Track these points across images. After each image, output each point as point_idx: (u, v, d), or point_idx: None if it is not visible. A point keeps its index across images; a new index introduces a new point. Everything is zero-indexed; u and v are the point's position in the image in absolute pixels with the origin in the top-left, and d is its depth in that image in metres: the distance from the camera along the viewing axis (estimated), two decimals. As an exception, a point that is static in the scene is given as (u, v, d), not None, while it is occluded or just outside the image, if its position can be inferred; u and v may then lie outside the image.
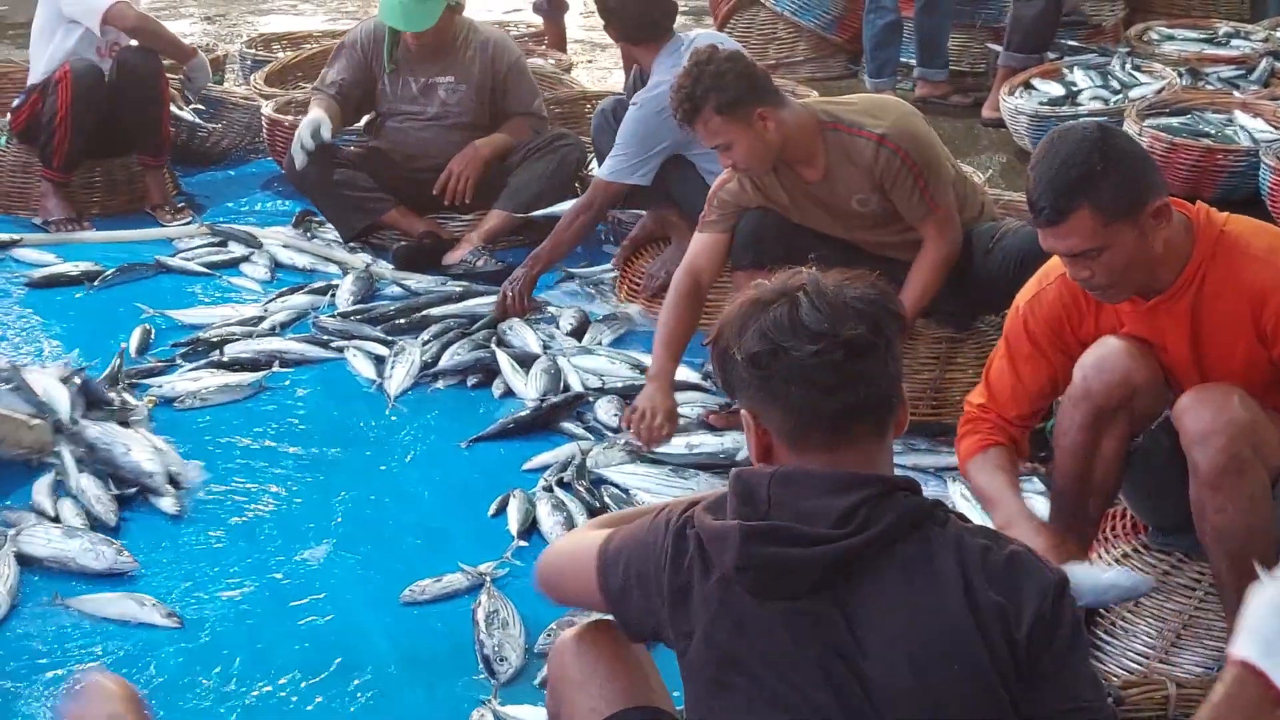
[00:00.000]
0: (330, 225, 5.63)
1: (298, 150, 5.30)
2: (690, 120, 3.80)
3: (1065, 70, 7.05)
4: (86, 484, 3.77)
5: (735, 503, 2.00)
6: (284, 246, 5.54)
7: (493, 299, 4.90)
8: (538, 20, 7.96)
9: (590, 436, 4.16)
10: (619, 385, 4.39)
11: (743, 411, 2.07)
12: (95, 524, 3.66)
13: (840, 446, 1.98)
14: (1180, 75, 6.87)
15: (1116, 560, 3.22)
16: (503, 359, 4.51)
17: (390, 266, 5.34)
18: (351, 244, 5.52)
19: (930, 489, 3.79)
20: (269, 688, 3.10)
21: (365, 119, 5.89)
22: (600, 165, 5.02)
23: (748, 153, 3.83)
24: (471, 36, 5.48)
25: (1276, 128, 6.04)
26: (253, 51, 7.44)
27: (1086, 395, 2.92)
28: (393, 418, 4.32)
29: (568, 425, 4.23)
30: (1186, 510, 3.01)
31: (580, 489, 3.83)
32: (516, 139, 5.46)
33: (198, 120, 6.29)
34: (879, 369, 1.99)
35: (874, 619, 1.93)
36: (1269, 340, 2.78)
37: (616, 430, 4.14)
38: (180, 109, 6.17)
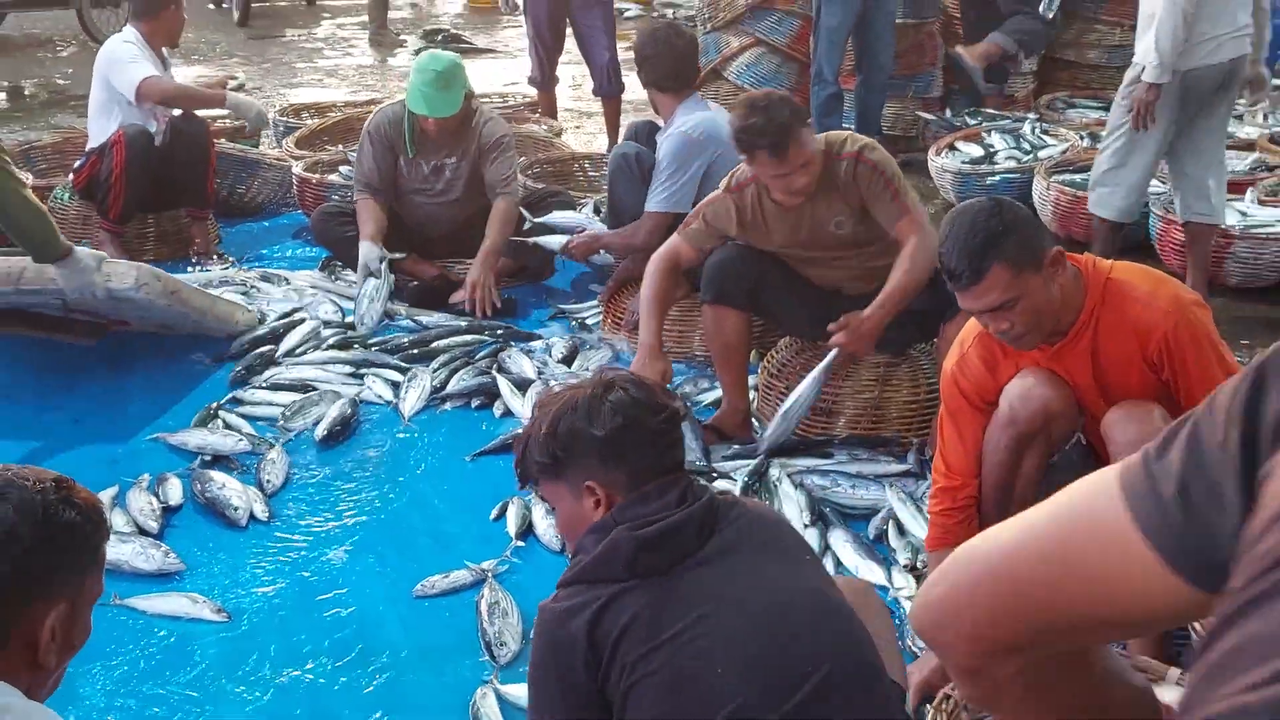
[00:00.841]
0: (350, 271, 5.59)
1: (367, 303, 5.10)
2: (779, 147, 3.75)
3: (984, 134, 7.11)
4: (133, 498, 3.75)
5: (591, 543, 2.12)
6: (311, 287, 5.49)
7: (483, 330, 4.99)
8: (532, 91, 7.96)
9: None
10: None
11: (584, 485, 2.19)
12: (142, 531, 3.63)
13: (667, 487, 2.17)
14: (1082, 138, 6.95)
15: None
16: (503, 384, 4.49)
17: (405, 305, 5.30)
18: None
19: (870, 492, 3.79)
20: (298, 671, 3.07)
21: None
22: (612, 203, 5.04)
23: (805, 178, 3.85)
24: (480, 117, 5.40)
25: (1162, 183, 6.07)
26: (284, 119, 7.43)
27: (1012, 422, 2.94)
28: (405, 435, 4.29)
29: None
30: None
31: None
32: (504, 224, 5.26)
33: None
34: (681, 431, 2.30)
35: (740, 542, 2.14)
36: (1157, 367, 2.82)
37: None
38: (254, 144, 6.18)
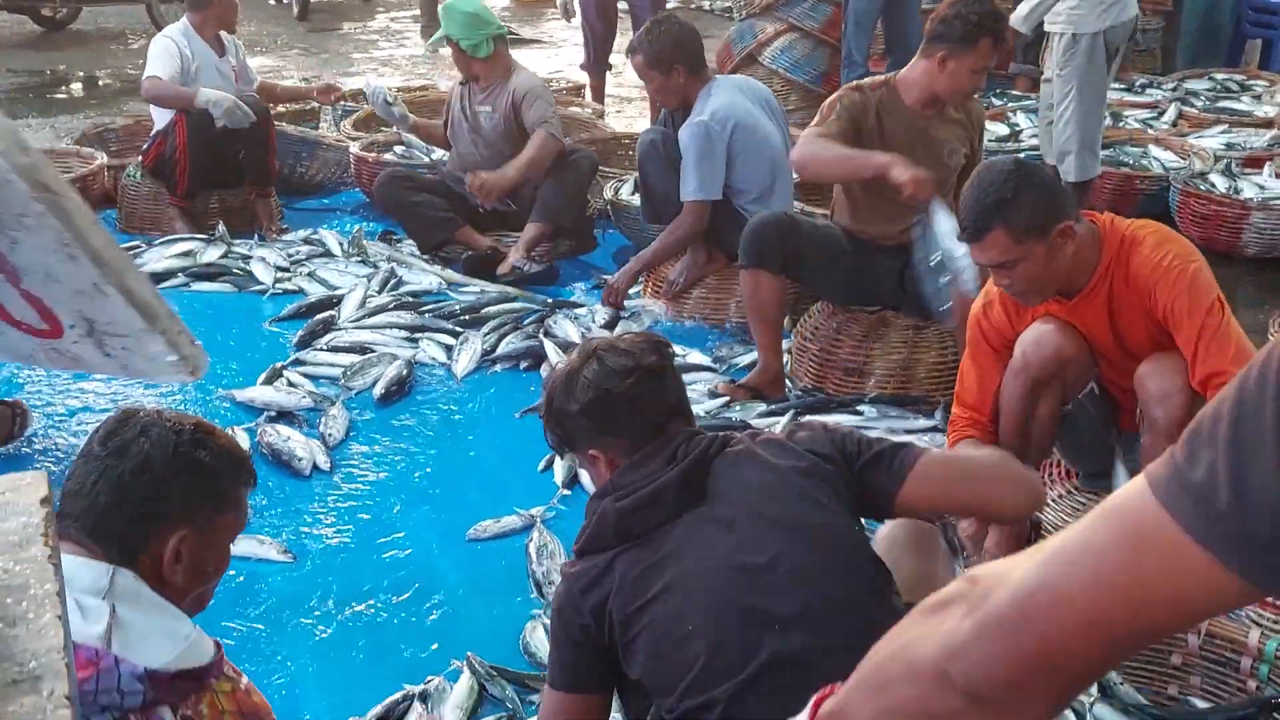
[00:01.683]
0: (408, 240, 5.67)
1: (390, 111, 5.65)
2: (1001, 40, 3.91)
3: (1009, 114, 7.08)
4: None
5: (591, 511, 2.16)
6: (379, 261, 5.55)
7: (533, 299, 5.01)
8: (576, 77, 7.99)
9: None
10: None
11: (590, 455, 2.22)
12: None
13: (664, 445, 2.16)
14: (1104, 116, 6.87)
15: (1054, 499, 3.23)
16: (549, 347, 4.52)
17: (460, 273, 5.38)
18: (426, 255, 5.56)
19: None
20: (359, 607, 3.12)
21: (437, 155, 5.98)
22: (643, 185, 4.98)
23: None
24: (511, 79, 5.53)
25: (1183, 159, 6.05)
26: (342, 104, 7.48)
27: (1025, 368, 2.94)
28: (458, 394, 4.33)
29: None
30: (1107, 460, 3.03)
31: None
32: (537, 151, 5.38)
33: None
34: (673, 382, 2.25)
35: (729, 495, 2.10)
36: (1164, 325, 2.80)
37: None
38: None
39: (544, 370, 4.46)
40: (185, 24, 5.83)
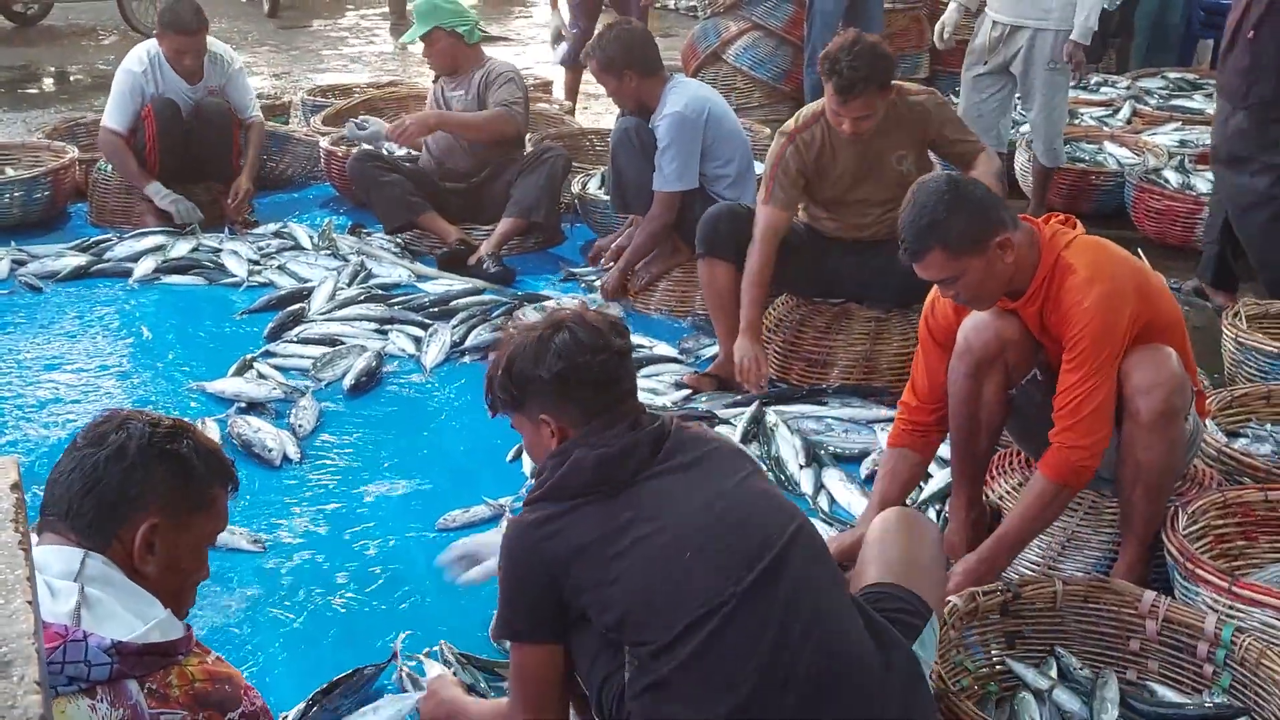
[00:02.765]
0: (378, 235, 5.60)
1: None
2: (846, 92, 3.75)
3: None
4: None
5: (553, 465, 2.18)
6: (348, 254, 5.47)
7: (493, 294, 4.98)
8: (543, 74, 7.93)
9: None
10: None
11: (541, 419, 2.24)
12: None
13: (617, 410, 2.22)
14: (1062, 115, 6.88)
15: (1013, 487, 3.22)
16: (517, 339, 4.47)
17: (433, 267, 5.32)
18: (391, 236, 5.52)
19: (862, 436, 3.80)
20: (330, 596, 3.09)
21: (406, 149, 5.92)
22: (615, 173, 4.88)
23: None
24: (486, 65, 5.51)
25: (1138, 155, 6.07)
26: (312, 99, 7.39)
27: (967, 350, 2.95)
28: (426, 385, 4.29)
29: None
30: None
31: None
32: (485, 118, 5.39)
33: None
34: (630, 366, 2.30)
35: (691, 450, 2.20)
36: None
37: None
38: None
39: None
40: (155, 47, 5.59)
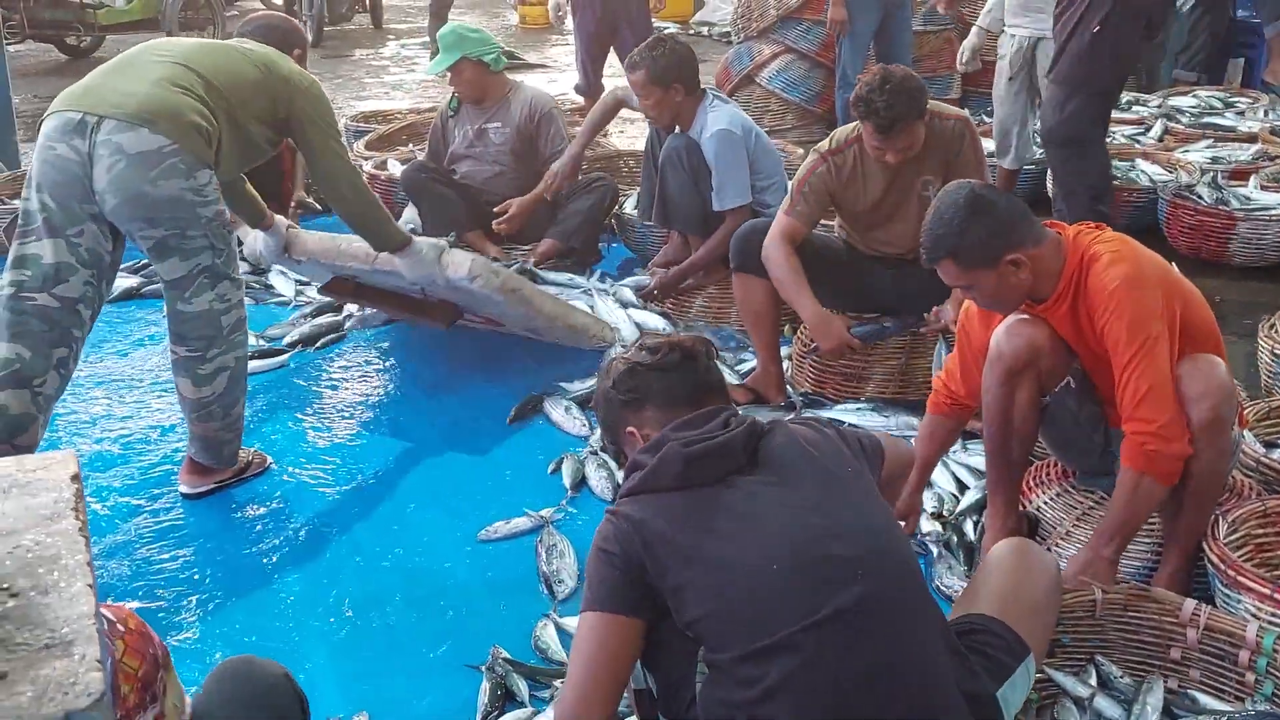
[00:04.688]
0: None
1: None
2: (885, 131, 3.73)
3: (1000, 129, 7.02)
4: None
5: (646, 457, 2.11)
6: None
7: None
8: (578, 98, 7.97)
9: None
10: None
11: (628, 434, 2.23)
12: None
13: (702, 418, 2.16)
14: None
15: (1050, 498, 3.19)
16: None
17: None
18: None
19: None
20: (375, 607, 3.09)
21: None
22: (662, 193, 4.86)
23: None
24: (517, 93, 5.51)
25: (1171, 172, 6.02)
26: (356, 124, 7.47)
27: (999, 357, 2.93)
28: (468, 396, 4.29)
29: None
30: (1096, 458, 3.00)
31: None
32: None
33: None
34: (708, 368, 2.27)
35: (782, 461, 2.11)
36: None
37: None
38: None
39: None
40: None
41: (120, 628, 1.62)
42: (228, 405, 3.52)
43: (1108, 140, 6.69)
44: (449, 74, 5.45)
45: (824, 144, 4.04)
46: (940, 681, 1.98)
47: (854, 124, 3.99)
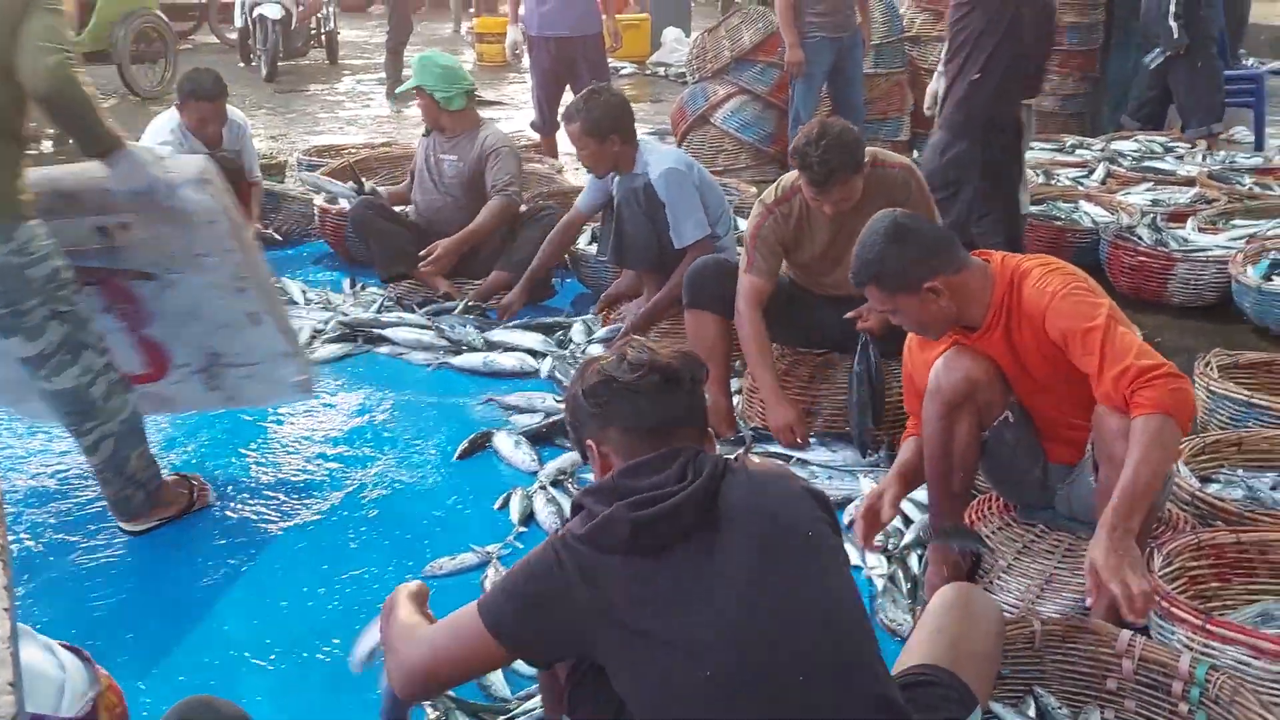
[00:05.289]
0: (369, 280, 5.71)
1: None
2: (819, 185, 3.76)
3: (948, 171, 7.13)
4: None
5: (594, 503, 2.02)
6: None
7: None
8: (535, 136, 8.02)
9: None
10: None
11: (588, 445, 2.14)
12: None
13: (663, 448, 2.06)
14: (1037, 175, 6.99)
15: (992, 532, 3.23)
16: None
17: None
18: (385, 284, 5.62)
19: (845, 482, 3.81)
20: (318, 642, 3.06)
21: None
22: (619, 235, 4.85)
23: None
24: (481, 131, 5.59)
25: (1112, 213, 6.14)
26: (308, 158, 7.48)
27: (938, 391, 2.98)
28: (415, 431, 4.30)
29: (563, 440, 4.17)
30: (1035, 491, 3.04)
31: (570, 487, 3.80)
32: (488, 217, 5.44)
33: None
34: (689, 395, 2.12)
35: (740, 527, 1.98)
36: (1064, 351, 2.79)
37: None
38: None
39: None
40: (176, 118, 5.68)
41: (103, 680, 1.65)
42: (119, 466, 3.39)
43: (1052, 182, 6.84)
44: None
45: (768, 194, 4.09)
46: None
47: (795, 174, 4.06)
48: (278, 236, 6.26)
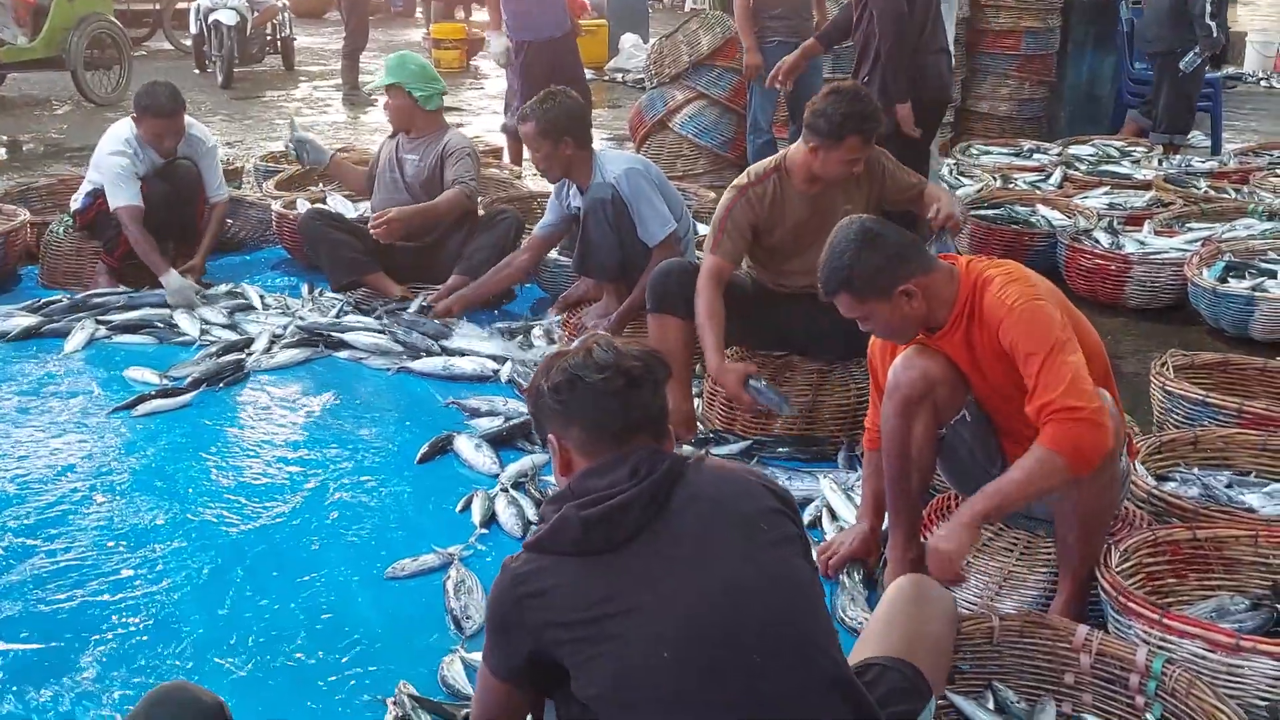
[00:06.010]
0: (325, 284, 5.67)
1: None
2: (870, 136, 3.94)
3: (906, 175, 7.20)
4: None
5: (551, 512, 2.08)
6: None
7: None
8: (493, 141, 8.01)
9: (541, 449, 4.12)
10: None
11: (550, 439, 2.17)
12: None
13: (624, 447, 2.09)
14: (995, 179, 7.08)
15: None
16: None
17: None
18: (336, 291, 5.59)
19: (805, 483, 3.83)
20: (279, 644, 3.05)
21: (360, 209, 5.99)
22: (584, 242, 4.85)
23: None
24: (444, 135, 5.61)
25: (1069, 217, 6.22)
26: (265, 164, 7.45)
27: (896, 388, 3.01)
28: (379, 434, 4.30)
29: (524, 443, 4.21)
30: None
31: (531, 490, 3.82)
32: (445, 202, 5.46)
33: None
34: (651, 397, 2.13)
35: (692, 521, 2.04)
36: (1009, 354, 2.85)
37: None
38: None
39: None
40: (133, 129, 5.60)
41: None
42: None
43: (1010, 186, 6.92)
44: (386, 98, 5.63)
45: (741, 179, 4.14)
46: None
47: (774, 157, 4.15)
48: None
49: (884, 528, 3.30)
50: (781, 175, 4.06)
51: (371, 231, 5.40)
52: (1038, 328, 2.77)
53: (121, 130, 5.63)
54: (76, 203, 5.83)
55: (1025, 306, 2.81)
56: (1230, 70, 10.14)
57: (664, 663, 1.92)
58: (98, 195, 5.64)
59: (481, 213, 5.69)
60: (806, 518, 3.66)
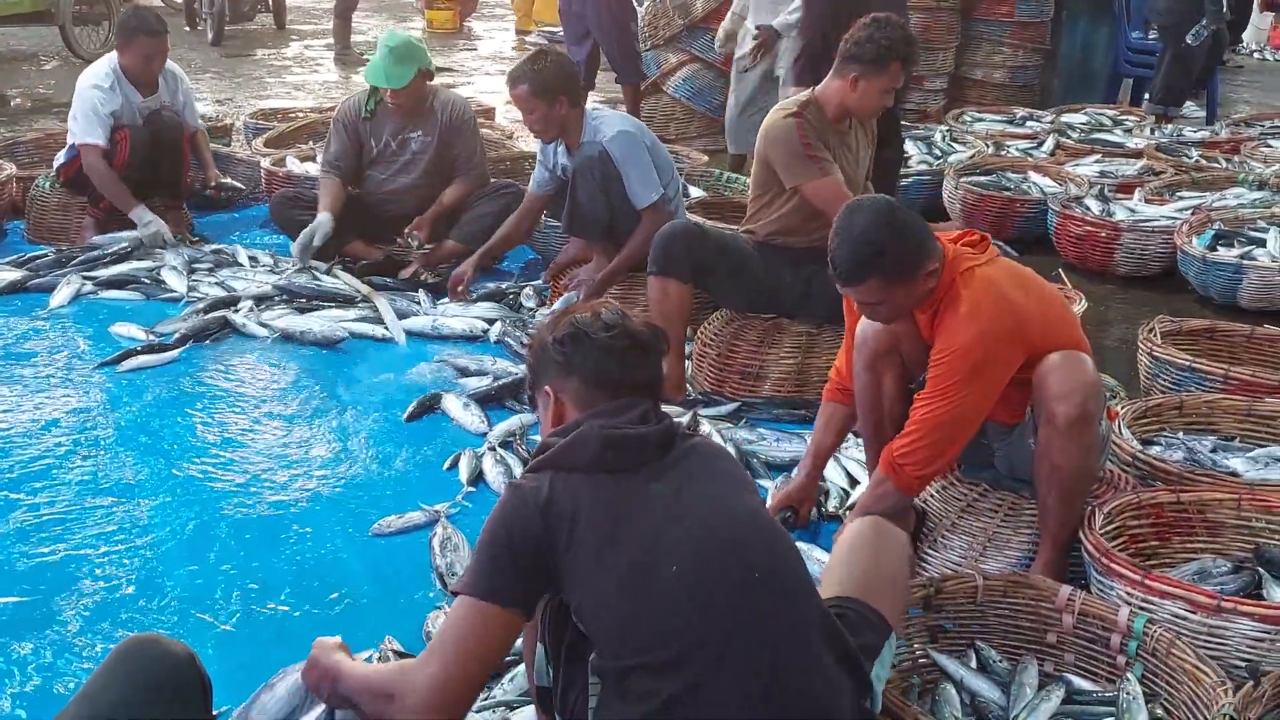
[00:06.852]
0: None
1: (299, 248, 5.31)
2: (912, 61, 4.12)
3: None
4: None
5: (556, 437, 2.10)
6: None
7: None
8: (485, 102, 7.97)
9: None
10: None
11: (545, 390, 2.20)
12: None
13: (623, 407, 2.13)
14: (987, 146, 7.06)
15: (937, 491, 3.27)
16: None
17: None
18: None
19: (793, 445, 3.84)
20: (264, 601, 3.05)
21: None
22: (573, 202, 4.75)
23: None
24: (437, 98, 5.46)
25: (1060, 185, 6.21)
26: (255, 122, 7.39)
27: (864, 343, 3.07)
28: (366, 393, 4.28)
29: (512, 402, 4.22)
30: (972, 449, 3.07)
31: (519, 449, 3.82)
32: (458, 193, 5.43)
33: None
34: (654, 364, 2.20)
35: (693, 468, 2.11)
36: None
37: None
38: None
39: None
40: (114, 62, 5.57)
41: None
42: None
43: (1002, 153, 6.90)
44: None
45: (787, 106, 4.19)
46: (832, 685, 2.01)
47: (795, 96, 4.27)
48: (240, 185, 6.19)
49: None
50: (815, 108, 4.12)
51: (411, 234, 5.35)
52: (950, 384, 2.83)
53: (102, 66, 5.61)
54: (60, 159, 5.79)
55: (962, 352, 2.81)
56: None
57: (671, 576, 1.95)
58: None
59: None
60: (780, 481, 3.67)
